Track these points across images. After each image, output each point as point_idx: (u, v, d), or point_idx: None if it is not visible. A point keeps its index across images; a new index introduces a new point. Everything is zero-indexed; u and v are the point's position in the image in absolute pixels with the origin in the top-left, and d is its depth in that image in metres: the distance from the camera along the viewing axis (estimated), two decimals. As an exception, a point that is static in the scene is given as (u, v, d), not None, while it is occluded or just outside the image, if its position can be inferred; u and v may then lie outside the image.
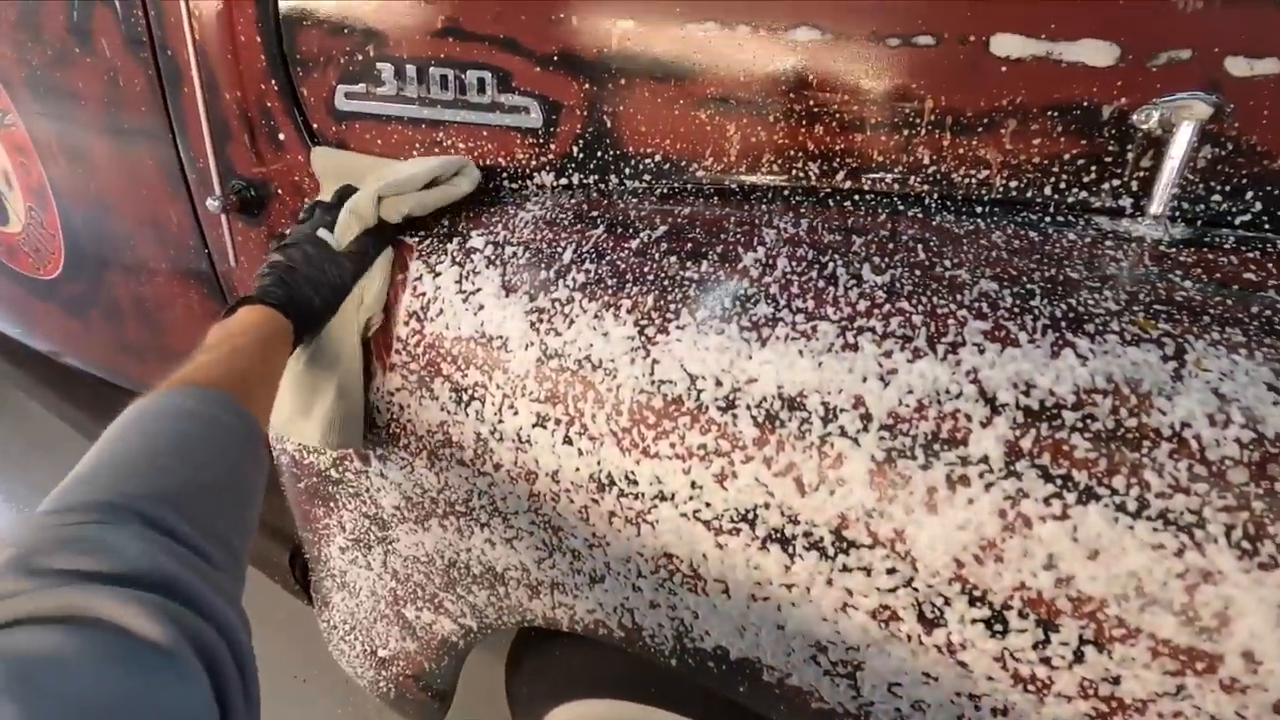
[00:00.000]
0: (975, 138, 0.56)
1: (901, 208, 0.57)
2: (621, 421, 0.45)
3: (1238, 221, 0.53)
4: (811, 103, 0.57)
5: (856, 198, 0.58)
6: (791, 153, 0.59)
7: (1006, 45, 0.53)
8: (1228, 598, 0.30)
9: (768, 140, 0.59)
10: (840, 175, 0.59)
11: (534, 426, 0.49)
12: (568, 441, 0.47)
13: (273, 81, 0.69)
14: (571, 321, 0.50)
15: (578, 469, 0.47)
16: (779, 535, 0.40)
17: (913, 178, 0.58)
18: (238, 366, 0.48)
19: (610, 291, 0.50)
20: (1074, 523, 0.33)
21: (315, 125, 0.70)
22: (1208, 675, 0.31)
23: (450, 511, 0.58)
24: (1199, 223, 0.54)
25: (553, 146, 0.64)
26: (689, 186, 0.62)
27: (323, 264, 0.59)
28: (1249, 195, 0.53)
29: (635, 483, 0.45)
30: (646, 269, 0.50)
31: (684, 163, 0.62)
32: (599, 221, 0.58)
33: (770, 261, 0.48)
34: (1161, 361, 0.36)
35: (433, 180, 0.62)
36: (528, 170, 0.65)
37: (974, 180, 0.57)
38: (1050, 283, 0.44)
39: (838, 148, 0.58)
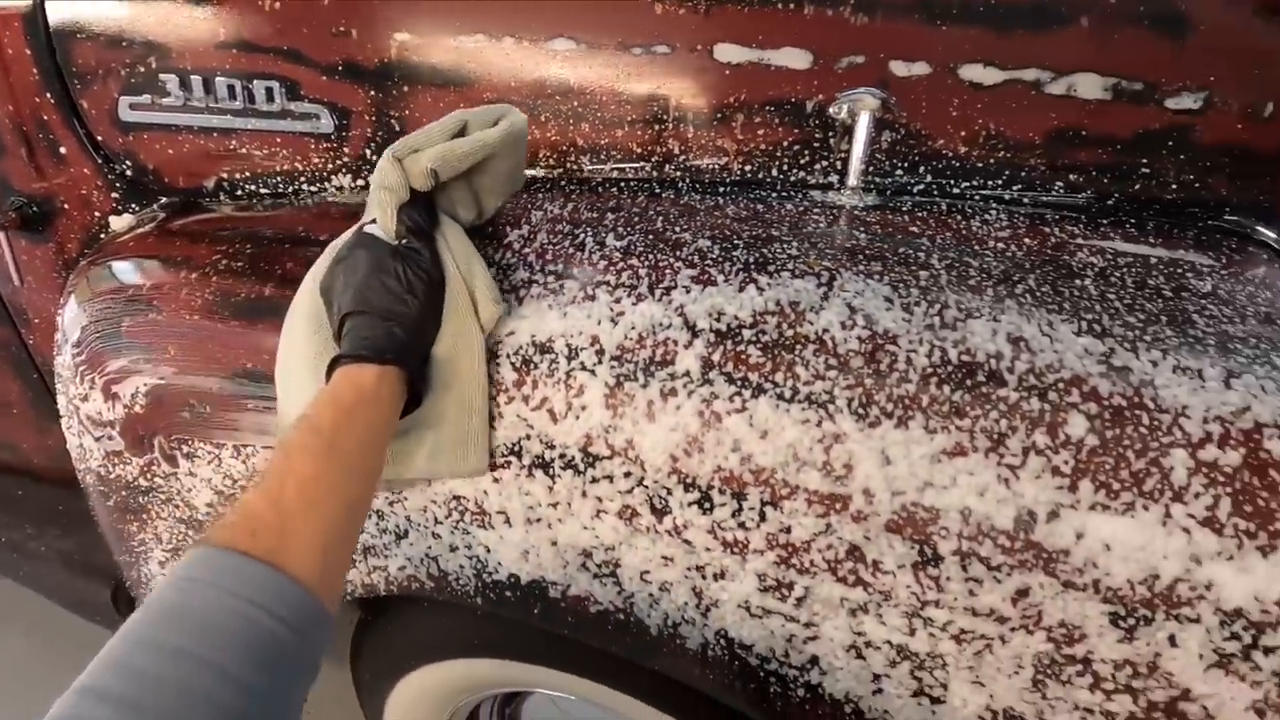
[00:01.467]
0: (713, 130, 0.66)
1: (659, 190, 0.66)
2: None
3: (915, 190, 0.67)
4: (576, 103, 0.66)
5: (622, 184, 0.67)
6: (564, 148, 0.67)
7: (727, 53, 0.64)
8: (850, 452, 0.40)
9: (542, 138, 0.67)
10: (608, 166, 0.68)
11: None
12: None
13: (48, 95, 0.68)
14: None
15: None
16: (540, 461, 0.47)
17: (667, 165, 0.68)
18: (335, 516, 0.36)
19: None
20: (750, 413, 0.42)
21: (100, 137, 0.70)
22: (843, 511, 0.40)
23: (262, 497, 0.60)
24: (888, 192, 0.67)
25: (347, 150, 0.68)
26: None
27: (392, 267, 0.45)
28: (921, 169, 0.67)
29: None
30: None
31: (471, 160, 0.68)
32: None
33: (531, 236, 0.55)
34: (815, 288, 0.47)
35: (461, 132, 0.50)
36: (325, 173, 0.69)
37: (717, 166, 0.67)
38: (754, 239, 0.54)
39: (602, 142, 0.67)
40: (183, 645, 0.30)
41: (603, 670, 0.61)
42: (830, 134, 0.66)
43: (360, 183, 0.69)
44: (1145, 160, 0.67)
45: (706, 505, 0.43)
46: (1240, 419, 0.38)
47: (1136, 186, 0.68)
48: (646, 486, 0.44)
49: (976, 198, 0.68)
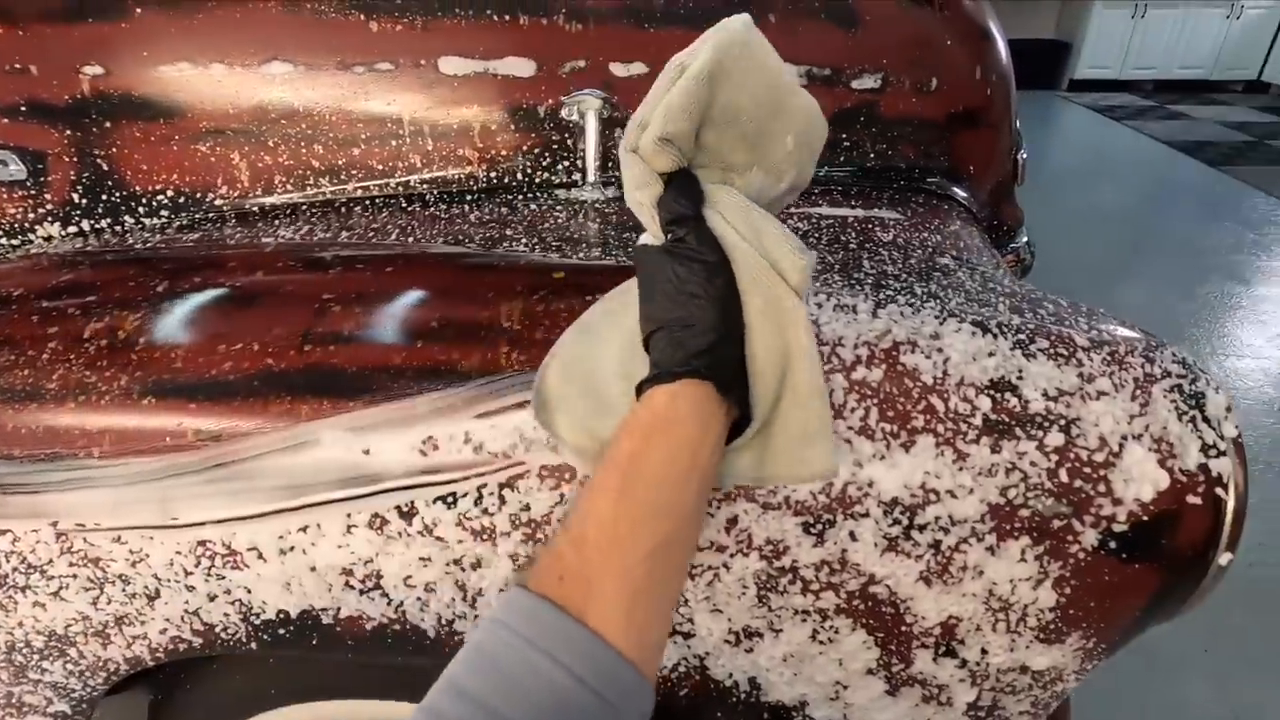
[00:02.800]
0: (452, 140, 0.68)
1: (406, 206, 0.67)
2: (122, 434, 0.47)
3: (653, 180, 0.73)
4: (304, 125, 0.65)
5: (367, 203, 0.67)
6: (300, 172, 0.66)
7: (452, 65, 0.66)
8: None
9: (275, 163, 0.65)
10: (351, 185, 0.67)
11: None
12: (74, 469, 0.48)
13: None
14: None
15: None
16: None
17: (412, 179, 0.68)
18: (639, 559, 0.32)
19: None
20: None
21: None
22: (574, 480, 0.43)
23: (-14, 590, 0.53)
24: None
25: (49, 196, 0.63)
26: (210, 216, 0.65)
27: (668, 270, 0.38)
28: (656, 160, 0.73)
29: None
30: (137, 293, 0.53)
31: (199, 194, 0.65)
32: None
33: (256, 264, 0.53)
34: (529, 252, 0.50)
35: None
36: (26, 224, 0.63)
37: (463, 175, 0.69)
38: (486, 240, 0.56)
39: (340, 162, 0.66)
40: (487, 700, 0.28)
41: (404, 684, 0.61)
42: (566, 135, 0.70)
43: (72, 229, 0.64)
44: (845, 135, 0.77)
45: (450, 500, 0.44)
46: (882, 340, 0.45)
47: (842, 159, 0.78)
48: (391, 493, 0.45)
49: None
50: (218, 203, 0.65)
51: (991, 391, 0.43)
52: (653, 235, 0.40)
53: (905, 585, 0.44)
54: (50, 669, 0.58)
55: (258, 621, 0.51)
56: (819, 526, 0.43)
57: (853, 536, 0.43)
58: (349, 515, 0.46)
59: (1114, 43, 5.20)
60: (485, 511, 0.44)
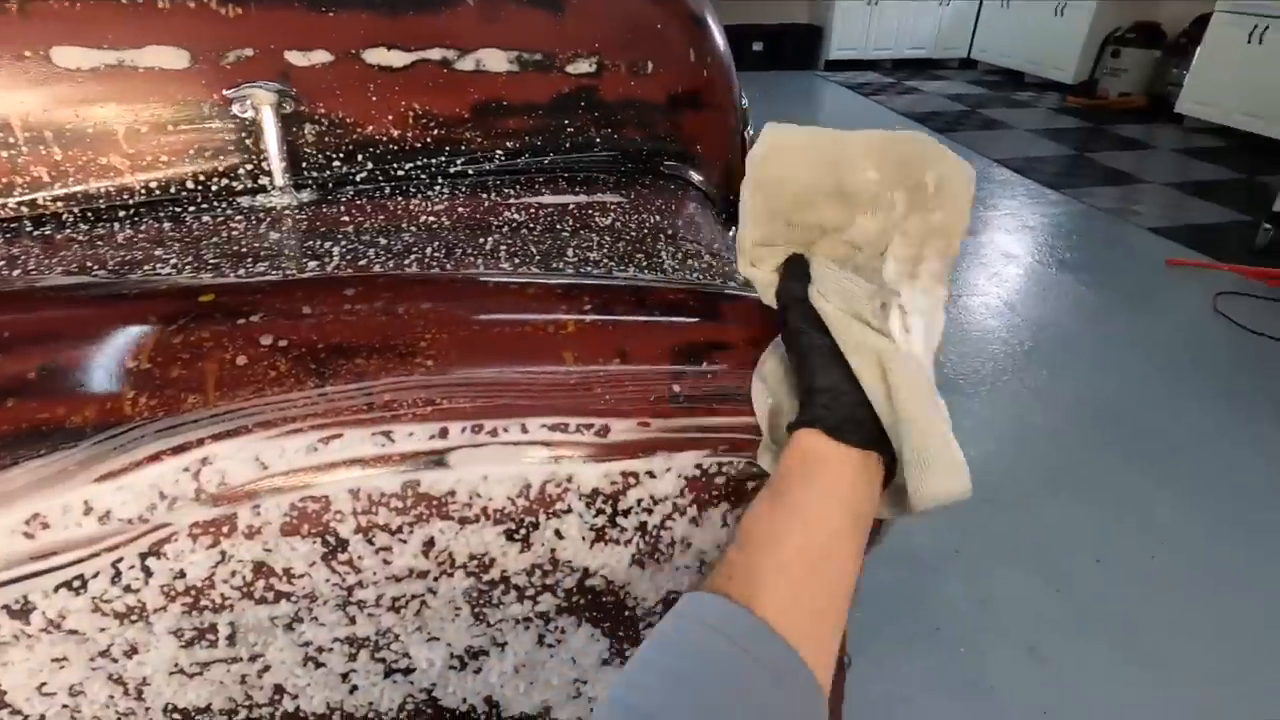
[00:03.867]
0: (89, 147, 0.57)
1: (33, 229, 0.55)
2: None
3: (358, 178, 0.67)
4: None
5: (-20, 229, 0.55)
6: None
7: (70, 57, 0.55)
8: (223, 470, 0.38)
9: None
10: (-50, 210, 0.54)
11: None
12: None
13: None
14: None
15: None
16: None
17: (40, 196, 0.57)
18: (792, 554, 0.35)
19: None
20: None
21: None
22: (233, 533, 0.38)
23: None
24: (330, 185, 0.66)
25: None
26: None
27: (786, 355, 0.43)
28: (359, 157, 0.67)
29: None
30: None
31: None
32: None
33: None
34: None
35: None
36: None
37: (112, 188, 0.59)
38: (120, 264, 0.48)
39: (-74, 182, 0.53)
40: (671, 666, 0.32)
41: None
42: (243, 134, 0.62)
43: None
44: (568, 121, 0.75)
45: (78, 584, 0.37)
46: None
47: (568, 145, 0.77)
48: (-9, 590, 0.36)
49: (423, 176, 0.70)
50: None
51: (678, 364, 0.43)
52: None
53: (620, 572, 0.44)
54: None
55: None
56: (522, 531, 0.41)
57: (559, 534, 0.42)
58: (-64, 628, 0.36)
59: (856, 27, 5.82)
60: (127, 589, 0.37)
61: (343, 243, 0.54)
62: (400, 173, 0.69)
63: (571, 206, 0.68)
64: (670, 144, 0.84)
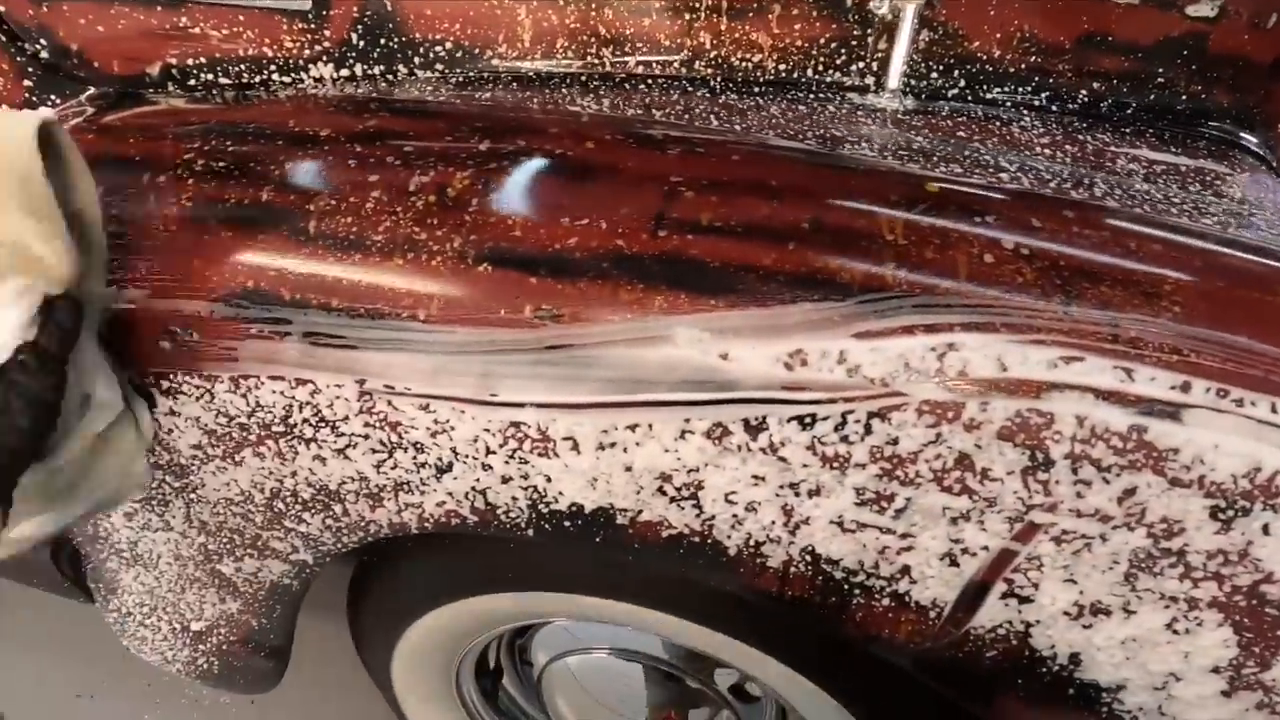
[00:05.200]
0: (747, 22, 0.61)
1: (690, 89, 0.61)
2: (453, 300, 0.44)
3: (950, 94, 0.65)
4: (596, -16, 0.58)
5: (650, 81, 0.61)
6: (584, 38, 0.60)
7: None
8: (965, 359, 0.39)
9: (560, 25, 0.59)
10: (632, 61, 0.61)
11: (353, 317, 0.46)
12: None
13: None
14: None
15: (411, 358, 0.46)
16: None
17: (697, 62, 0.62)
18: None
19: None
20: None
21: (2, 8, 0.56)
22: (955, 420, 0.39)
23: (267, 435, 0.53)
24: (923, 96, 0.65)
25: (327, 33, 0.58)
26: (485, 75, 0.60)
27: None
28: (956, 73, 0.65)
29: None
30: (457, 149, 0.49)
31: (477, 50, 0.60)
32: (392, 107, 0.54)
33: (581, 134, 0.49)
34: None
35: None
36: (301, 61, 0.59)
37: (750, 64, 0.62)
38: (820, 139, 0.51)
39: (627, 32, 0.60)
40: None
41: (643, 593, 0.60)
42: (869, 31, 0.62)
43: (345, 73, 0.60)
44: (1161, 70, 0.67)
45: (808, 421, 0.41)
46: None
47: (1151, 97, 0.68)
48: (743, 404, 0.41)
49: (1008, 104, 0.66)
50: (494, 62, 0.60)
51: None
52: None
53: (1306, 589, 0.39)
54: (309, 520, 0.58)
55: (545, 510, 0.49)
56: (1230, 513, 0.38)
57: (1265, 530, 0.38)
58: (687, 420, 0.43)
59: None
60: (845, 439, 0.41)
61: (1001, 158, 0.52)
62: (987, 96, 0.65)
63: (1184, 168, 0.60)
64: (1251, 109, 0.71)
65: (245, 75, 0.59)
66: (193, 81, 0.59)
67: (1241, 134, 0.72)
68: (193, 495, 0.60)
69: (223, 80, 0.59)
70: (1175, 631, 0.43)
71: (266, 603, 0.69)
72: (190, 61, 0.59)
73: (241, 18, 0.57)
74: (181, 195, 0.48)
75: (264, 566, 0.65)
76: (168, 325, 0.50)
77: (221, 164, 0.49)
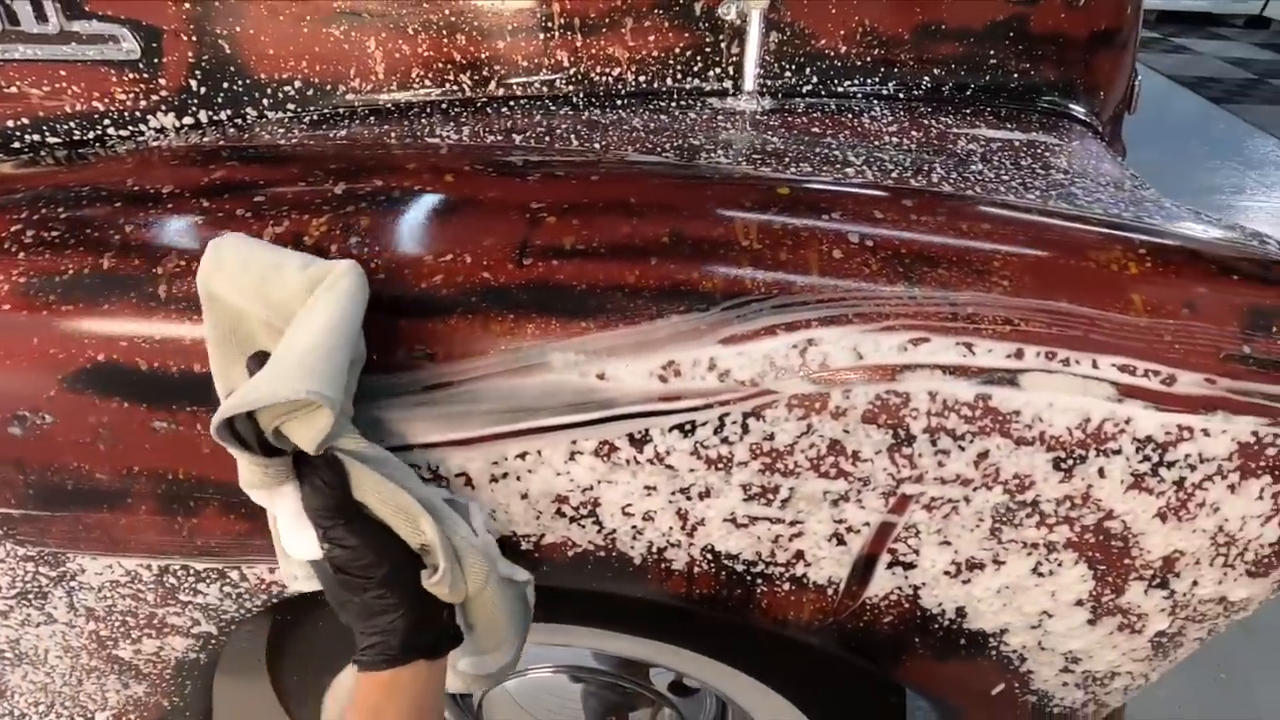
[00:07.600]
0: (603, 37, 0.62)
1: (552, 108, 0.61)
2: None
3: (804, 91, 0.68)
4: (446, 12, 0.58)
5: (512, 104, 0.61)
6: (440, 65, 0.60)
7: (607, -50, 0.59)
8: (825, 353, 0.41)
9: (413, 54, 0.59)
10: (492, 84, 0.61)
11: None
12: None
13: None
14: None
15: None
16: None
17: (558, 80, 0.62)
18: None
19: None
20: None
21: None
22: (822, 411, 0.42)
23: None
24: (779, 95, 0.68)
25: (163, 81, 0.56)
26: (340, 111, 0.59)
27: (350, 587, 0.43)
28: (808, 70, 0.68)
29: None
30: (310, 195, 0.48)
31: (329, 86, 0.58)
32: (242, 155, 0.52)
33: (439, 168, 0.48)
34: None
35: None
36: (138, 113, 0.56)
37: (610, 78, 0.63)
38: (678, 150, 0.52)
39: (483, 56, 0.60)
40: None
41: (560, 610, 0.60)
42: (720, 37, 0.64)
43: (188, 120, 0.57)
44: (993, 51, 0.72)
45: (688, 428, 0.42)
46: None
47: (987, 78, 0.74)
48: (625, 420, 0.42)
49: (859, 95, 0.70)
50: (349, 97, 0.59)
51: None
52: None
53: (1140, 521, 0.44)
54: (205, 591, 0.56)
55: (450, 546, 0.49)
56: (1070, 462, 0.42)
57: (1101, 473, 0.42)
58: (574, 442, 0.43)
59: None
60: (725, 441, 0.43)
61: (849, 152, 0.55)
62: (839, 90, 0.69)
63: (1017, 143, 0.66)
64: (1075, 81, 0.78)
65: (77, 132, 0.56)
66: (16, 144, 0.55)
67: (1070, 104, 0.79)
68: (73, 584, 0.57)
69: (51, 140, 0.56)
70: (1040, 574, 0.47)
71: (175, 681, 0.65)
72: (10, 123, 0.55)
73: (63, 72, 0.54)
74: (12, 272, 0.45)
75: (165, 645, 0.61)
76: (15, 411, 0.47)
77: (55, 234, 0.46)
